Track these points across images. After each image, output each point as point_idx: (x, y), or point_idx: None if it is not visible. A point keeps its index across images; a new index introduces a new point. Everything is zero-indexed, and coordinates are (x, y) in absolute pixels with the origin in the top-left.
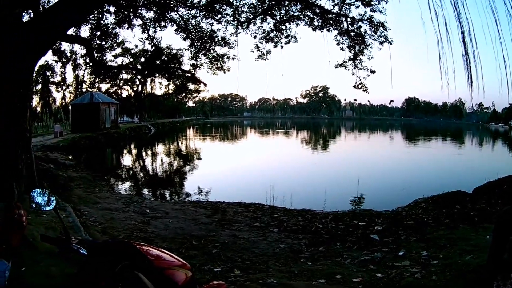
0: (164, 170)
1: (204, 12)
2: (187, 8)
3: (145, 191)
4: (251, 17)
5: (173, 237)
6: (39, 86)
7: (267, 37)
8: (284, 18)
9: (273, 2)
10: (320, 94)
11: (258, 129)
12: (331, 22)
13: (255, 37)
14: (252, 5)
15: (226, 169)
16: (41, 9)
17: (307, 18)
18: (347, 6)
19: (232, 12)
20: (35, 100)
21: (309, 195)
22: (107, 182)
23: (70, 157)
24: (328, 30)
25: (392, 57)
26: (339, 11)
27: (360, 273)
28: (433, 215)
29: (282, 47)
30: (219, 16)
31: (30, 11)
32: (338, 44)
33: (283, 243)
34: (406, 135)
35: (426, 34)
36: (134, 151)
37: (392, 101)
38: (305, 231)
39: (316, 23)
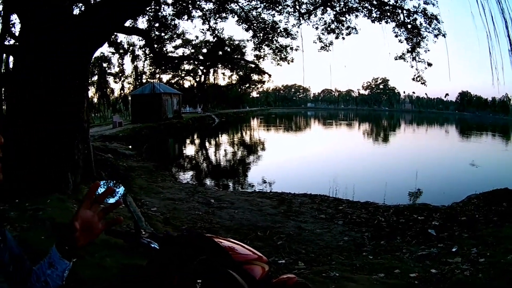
0: (229, 160)
1: (264, 4)
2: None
3: (210, 181)
4: (311, 9)
5: (238, 228)
6: (96, 77)
7: (329, 29)
8: (344, 10)
9: None
10: (381, 86)
11: (322, 120)
12: (388, 14)
13: (316, 28)
14: None
15: (291, 160)
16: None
17: (365, 9)
18: None
19: (292, 4)
20: (92, 91)
21: (371, 187)
22: (170, 172)
23: (130, 147)
24: (386, 22)
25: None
26: (395, 3)
27: (417, 268)
28: (484, 212)
29: (343, 38)
30: (280, 7)
31: (80, 4)
32: (396, 36)
33: (347, 235)
34: (460, 129)
35: (477, 28)
36: (197, 141)
37: (447, 94)
38: (368, 224)
39: (374, 14)
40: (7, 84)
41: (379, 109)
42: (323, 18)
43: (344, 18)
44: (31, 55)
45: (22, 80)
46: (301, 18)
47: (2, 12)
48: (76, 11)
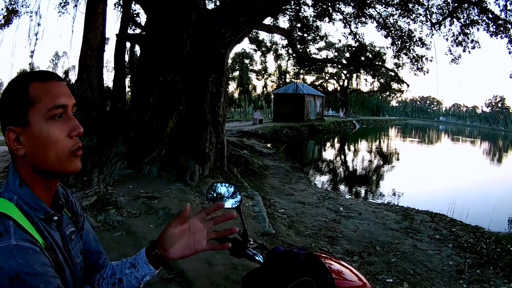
0: (365, 168)
1: (399, 11)
2: (384, 5)
3: (344, 187)
4: (440, 19)
5: (359, 239)
6: (237, 73)
7: (457, 41)
8: (467, 22)
9: (456, 4)
10: (499, 105)
11: (451, 136)
12: (502, 29)
13: (446, 39)
14: (439, 6)
15: (421, 173)
16: None
17: (484, 23)
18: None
19: (424, 12)
20: (233, 86)
21: (484, 209)
22: (305, 175)
23: (268, 145)
24: (501, 37)
25: None
26: (505, 17)
27: None
28: None
29: (469, 52)
30: (413, 15)
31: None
32: (509, 53)
33: (453, 260)
34: None
35: None
36: (337, 145)
37: None
38: (472, 250)
39: (491, 29)
40: (133, 72)
41: (497, 128)
42: (451, 30)
43: (468, 31)
44: (159, 46)
45: (151, 69)
46: (432, 28)
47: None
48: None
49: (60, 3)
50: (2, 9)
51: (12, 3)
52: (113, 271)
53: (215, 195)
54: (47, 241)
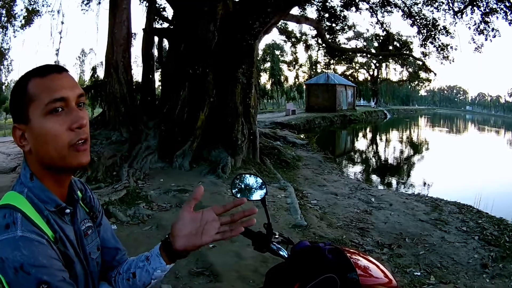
0: (395, 158)
1: None
2: None
3: (375, 178)
4: (462, 7)
5: (389, 231)
6: (268, 64)
7: (478, 29)
8: (487, 10)
9: None
10: None
11: (477, 125)
12: None
13: (469, 28)
14: None
15: (449, 163)
16: None
17: (502, 11)
18: None
19: (446, 1)
20: (265, 78)
21: (508, 202)
22: (338, 165)
23: (301, 136)
24: None
25: None
26: None
27: None
28: None
29: (491, 40)
30: (436, 3)
31: None
32: None
33: (478, 253)
34: None
35: None
36: (369, 135)
37: None
38: (496, 243)
39: (509, 17)
40: (163, 66)
41: None
42: (472, 18)
43: (488, 19)
44: (187, 39)
45: (180, 63)
46: (455, 17)
47: None
48: None
49: (83, 1)
50: (22, 9)
51: (32, 3)
52: (129, 266)
53: (241, 186)
54: (57, 234)
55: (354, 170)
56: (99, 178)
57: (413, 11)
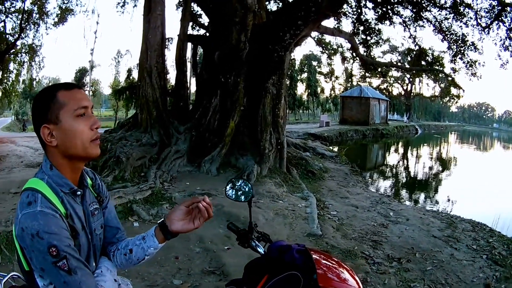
0: (421, 174)
1: (452, 14)
2: (438, 9)
3: (397, 193)
4: (489, 22)
5: (402, 245)
6: (305, 75)
7: (504, 45)
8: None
9: (499, 8)
10: None
11: (502, 143)
12: None
13: (495, 44)
14: (487, 10)
15: (474, 181)
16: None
17: None
18: None
19: (474, 16)
20: (301, 88)
21: None
22: (363, 178)
23: (332, 148)
24: None
25: None
26: None
27: None
28: None
29: None
30: (465, 19)
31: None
32: None
33: (483, 272)
34: None
35: None
36: (398, 150)
37: None
38: (502, 263)
39: None
40: (197, 72)
41: None
42: (498, 34)
43: None
44: (220, 48)
45: (213, 70)
46: (483, 32)
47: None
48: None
49: (119, 3)
50: (54, 7)
51: (66, 1)
52: (127, 243)
53: (233, 188)
54: (68, 211)
55: (379, 184)
56: (126, 178)
57: (444, 26)
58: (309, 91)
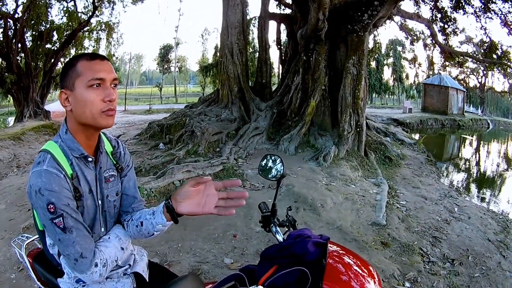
0: (490, 171)
1: None
2: (502, 1)
3: (466, 187)
4: None
5: (459, 245)
6: (391, 60)
7: None
8: None
9: None
10: None
11: None
12: None
13: None
14: None
15: None
16: None
17: None
18: None
19: None
20: (388, 73)
21: None
22: (436, 169)
23: (411, 135)
24: None
25: None
26: None
27: None
28: None
29: None
30: None
31: None
32: None
33: None
34: None
35: None
36: (473, 143)
37: None
38: None
39: None
40: (281, 50)
41: None
42: None
43: None
44: (301, 26)
45: (296, 49)
46: None
47: None
48: None
49: None
50: None
51: None
52: (140, 215)
53: (264, 164)
54: (75, 173)
55: (450, 177)
56: (200, 153)
57: (508, 20)
58: (394, 76)
